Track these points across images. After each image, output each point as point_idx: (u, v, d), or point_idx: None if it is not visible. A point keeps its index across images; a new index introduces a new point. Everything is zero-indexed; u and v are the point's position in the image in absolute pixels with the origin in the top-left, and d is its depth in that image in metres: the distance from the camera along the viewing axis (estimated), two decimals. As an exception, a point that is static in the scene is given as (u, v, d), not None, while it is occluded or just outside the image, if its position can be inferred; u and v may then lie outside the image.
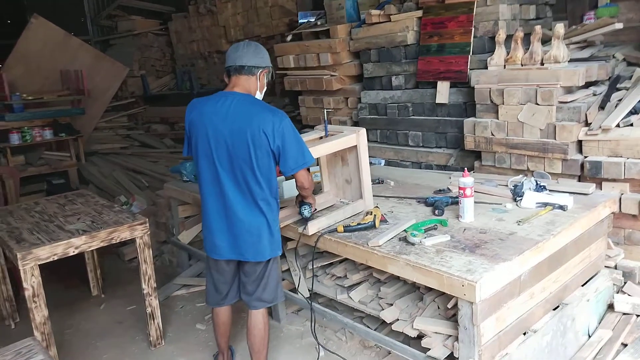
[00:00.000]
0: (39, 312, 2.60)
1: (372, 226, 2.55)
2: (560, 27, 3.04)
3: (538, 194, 2.76)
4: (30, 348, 2.24)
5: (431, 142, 3.98)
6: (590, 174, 2.91)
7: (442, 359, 2.17)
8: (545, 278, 2.36)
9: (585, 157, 2.98)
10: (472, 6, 3.55)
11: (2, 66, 6.37)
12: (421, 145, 4.05)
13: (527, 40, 3.26)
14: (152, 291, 3.01)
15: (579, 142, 3.01)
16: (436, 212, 2.73)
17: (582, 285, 2.70)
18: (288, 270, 3.13)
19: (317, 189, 3.24)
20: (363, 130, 2.76)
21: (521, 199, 2.77)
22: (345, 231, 2.56)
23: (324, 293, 2.91)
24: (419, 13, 3.87)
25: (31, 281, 2.56)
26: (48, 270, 2.94)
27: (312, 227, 2.60)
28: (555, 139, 3.02)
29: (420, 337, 2.32)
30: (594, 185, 2.86)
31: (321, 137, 2.86)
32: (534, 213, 2.59)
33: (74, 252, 2.69)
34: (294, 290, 3.01)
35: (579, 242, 2.56)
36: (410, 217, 2.70)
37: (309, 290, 2.92)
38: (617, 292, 2.86)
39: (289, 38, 5.08)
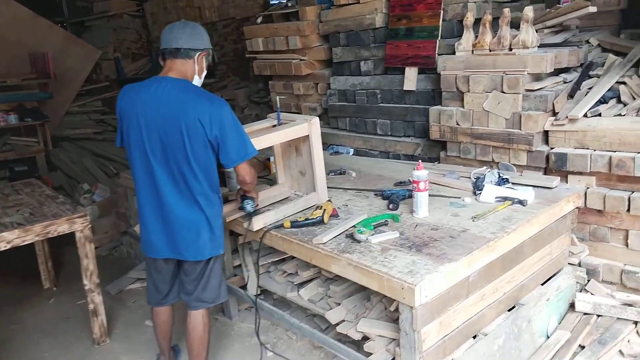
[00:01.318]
0: (-33, 311, 2.45)
1: (321, 221, 2.41)
2: (529, 10, 2.87)
3: (498, 187, 2.62)
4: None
5: (399, 131, 3.82)
6: (556, 166, 2.77)
7: (384, 364, 2.04)
8: (498, 278, 2.23)
9: (552, 148, 2.84)
10: (440, -13, 3.36)
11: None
12: (389, 134, 3.89)
13: (498, 25, 3.08)
14: (95, 287, 2.86)
15: (546, 133, 2.86)
16: (390, 206, 2.58)
17: (542, 284, 2.58)
18: (240, 265, 2.99)
19: (272, 181, 3.09)
20: (315, 119, 2.60)
21: (480, 193, 2.63)
22: (292, 227, 2.41)
23: (274, 290, 2.78)
24: (388, -6, 3.68)
25: (-44, 278, 2.40)
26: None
27: (258, 223, 2.45)
28: (520, 129, 2.87)
29: (365, 339, 2.20)
30: (559, 178, 2.72)
31: (274, 126, 2.71)
32: (491, 208, 2.45)
33: (5, 246, 2.53)
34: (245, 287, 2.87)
35: (538, 240, 2.42)
36: (364, 212, 2.56)
37: (259, 287, 2.79)
38: (580, 291, 2.74)
39: (259, 20, 4.86)
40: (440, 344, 1.99)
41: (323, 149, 4.21)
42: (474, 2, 3.32)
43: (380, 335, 2.13)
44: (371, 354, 2.10)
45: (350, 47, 4.02)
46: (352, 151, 4.12)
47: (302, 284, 2.70)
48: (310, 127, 2.55)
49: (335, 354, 2.30)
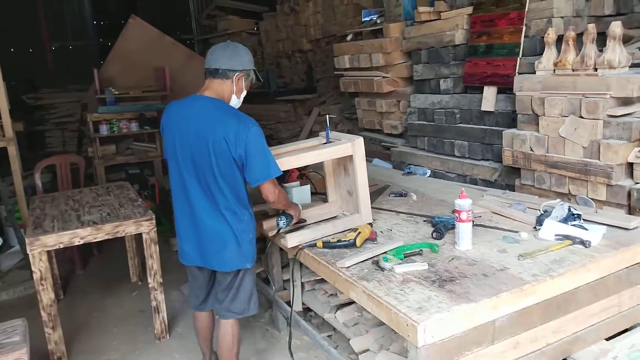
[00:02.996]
0: (46, 295, 2.80)
1: (353, 244, 2.34)
2: (616, 26, 2.54)
3: (560, 224, 2.34)
4: (15, 328, 2.41)
5: (477, 154, 3.59)
6: (638, 204, 2.40)
7: (395, 403, 1.93)
8: (540, 326, 1.98)
9: (637, 183, 2.46)
10: (523, 1, 3.11)
11: (103, 63, 7.04)
12: (467, 156, 3.68)
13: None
14: (158, 286, 3.09)
15: (630, 166, 2.49)
16: (434, 234, 2.43)
17: (608, 340, 2.23)
18: (289, 280, 3.03)
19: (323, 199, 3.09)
20: (359, 140, 2.55)
21: (540, 229, 2.37)
22: (324, 247, 2.39)
23: (315, 309, 2.77)
24: (470, 9, 3.49)
25: (39, 265, 2.76)
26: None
27: (293, 240, 2.46)
28: (599, 160, 2.54)
29: (384, 373, 2.09)
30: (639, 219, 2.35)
31: (324, 144, 2.71)
32: (544, 247, 2.19)
33: (79, 242, 2.86)
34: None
35: (599, 288, 2.11)
36: (406, 238, 2.45)
37: (302, 304, 2.80)
38: (664, 353, 2.32)
39: (349, 37, 4.92)
40: (455, 390, 1.82)
41: (400, 169, 4.16)
42: (561, 17, 3.02)
43: (396, 371, 2.02)
44: (384, 389, 1.99)
45: (431, 65, 3.89)
46: (428, 172, 3.95)
47: (342, 306, 2.66)
48: (353, 147, 2.51)
49: (354, 383, 2.23)
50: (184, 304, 3.60)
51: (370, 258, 2.22)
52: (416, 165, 4.09)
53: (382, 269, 2.11)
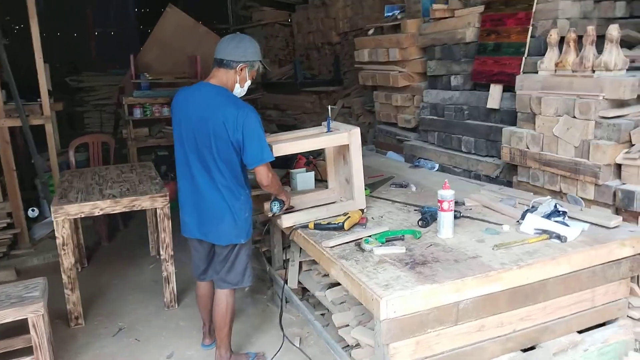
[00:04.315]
0: (67, 259, 3.09)
1: (341, 227, 2.50)
2: (613, 29, 2.58)
3: (541, 219, 2.42)
4: (36, 285, 2.69)
5: (482, 150, 3.66)
6: (622, 204, 2.45)
7: (364, 373, 2.08)
8: (505, 313, 2.09)
9: (624, 184, 2.51)
10: (531, 2, 3.16)
11: (141, 49, 7.38)
12: (473, 152, 3.75)
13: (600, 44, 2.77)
14: (169, 258, 3.34)
15: (618, 167, 2.54)
16: (420, 222, 2.56)
17: (580, 332, 2.31)
18: (289, 259, 3.21)
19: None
20: (356, 130, 2.69)
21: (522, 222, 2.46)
22: (315, 228, 2.56)
23: (308, 287, 2.94)
24: (481, 8, 3.56)
25: (62, 232, 3.04)
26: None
27: (287, 221, 2.64)
28: (588, 159, 2.59)
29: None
30: (621, 218, 2.41)
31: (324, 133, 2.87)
32: (520, 239, 2.29)
33: (99, 212, 3.13)
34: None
35: (571, 282, 2.19)
36: (394, 224, 2.59)
37: (299, 282, 2.98)
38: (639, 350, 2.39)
39: (370, 32, 5.03)
40: (416, 364, 1.97)
41: (411, 162, 4.27)
42: (567, 18, 3.06)
43: (368, 345, 2.17)
44: (357, 360, 2.15)
45: (443, 61, 3.97)
46: (437, 167, 4.05)
47: (332, 285, 2.82)
48: (350, 137, 2.66)
49: (333, 354, 2.39)
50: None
51: (354, 240, 2.38)
52: (425, 159, 4.19)
53: (363, 250, 2.26)
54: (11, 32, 9.96)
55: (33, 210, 4.83)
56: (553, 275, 2.14)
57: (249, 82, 2.54)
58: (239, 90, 2.52)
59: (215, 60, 2.48)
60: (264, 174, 2.42)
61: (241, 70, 2.46)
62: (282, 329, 2.75)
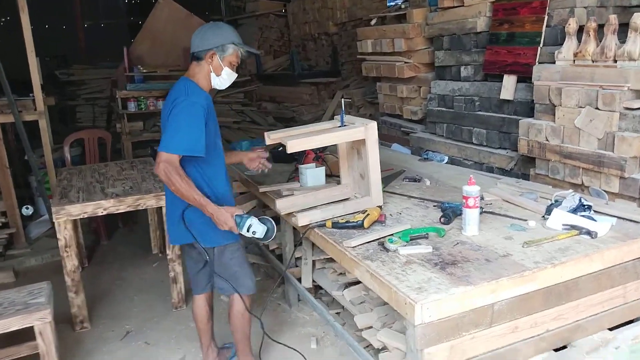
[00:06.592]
0: (70, 261, 2.96)
1: (361, 226, 2.41)
2: (637, 17, 2.50)
3: (568, 214, 2.35)
4: (41, 290, 2.57)
5: (494, 142, 3.59)
6: (650, 198, 2.39)
7: (393, 378, 2.00)
8: (539, 313, 2.02)
9: (650, 177, 2.45)
10: (547, -10, 3.07)
11: (132, 41, 7.19)
12: (484, 144, 3.68)
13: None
14: (176, 257, 3.23)
15: (645, 159, 2.48)
16: (442, 219, 2.48)
17: (611, 330, 2.25)
18: (300, 258, 3.12)
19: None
20: (373, 124, 2.58)
21: (548, 218, 2.39)
22: (332, 227, 2.46)
23: (324, 286, 2.85)
24: (493, -3, 3.47)
25: (64, 233, 2.91)
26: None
27: (303, 219, 2.54)
28: (613, 152, 2.53)
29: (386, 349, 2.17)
30: (651, 212, 2.35)
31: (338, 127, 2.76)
32: (549, 236, 2.22)
33: (102, 212, 3.00)
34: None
35: (603, 278, 2.13)
36: (414, 222, 2.50)
37: (312, 281, 2.89)
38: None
39: (373, 22, 4.92)
40: (450, 369, 1.89)
41: (419, 154, 4.19)
42: (584, 7, 2.97)
43: (397, 348, 2.09)
44: (384, 365, 2.07)
45: (452, 52, 3.88)
46: (446, 159, 3.97)
47: (349, 284, 2.73)
48: (366, 131, 2.55)
49: (356, 356, 2.31)
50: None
51: (377, 239, 2.28)
52: (434, 152, 4.11)
53: (387, 250, 2.17)
54: (-4, 24, 9.71)
55: (27, 208, 4.69)
56: (586, 273, 2.07)
57: (227, 70, 2.31)
58: (217, 81, 2.33)
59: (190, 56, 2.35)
60: (158, 162, 2.12)
61: (210, 58, 2.26)
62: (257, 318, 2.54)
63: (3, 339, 2.56)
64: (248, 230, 2.20)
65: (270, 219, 2.32)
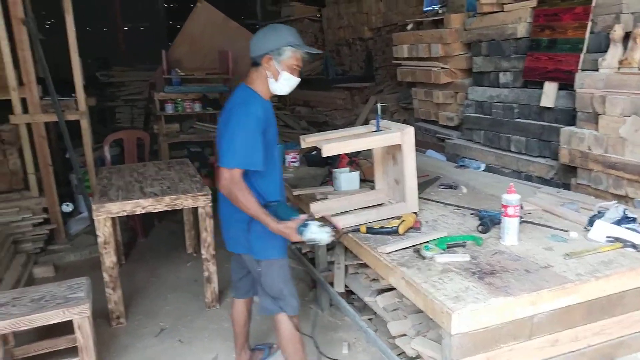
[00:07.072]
0: (109, 258, 3.04)
1: (395, 232, 2.39)
2: (690, 23, 2.41)
3: (612, 226, 2.28)
4: (80, 285, 2.64)
5: (534, 150, 3.51)
6: (700, 211, 2.29)
7: (427, 387, 1.98)
8: (580, 327, 1.96)
9: (701, 189, 2.35)
10: (591, -4, 3.00)
11: (171, 44, 7.34)
12: (523, 152, 3.60)
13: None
14: (210, 257, 3.27)
15: (695, 170, 2.38)
16: (479, 228, 2.44)
17: (656, 347, 2.17)
18: (334, 262, 3.12)
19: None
20: (410, 129, 2.57)
21: (591, 229, 2.32)
22: (367, 232, 2.45)
23: (356, 292, 2.84)
24: (534, 2, 3.40)
25: (103, 230, 2.99)
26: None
27: (337, 224, 2.53)
28: (660, 163, 2.44)
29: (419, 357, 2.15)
30: (700, 226, 2.25)
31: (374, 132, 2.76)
32: (592, 248, 2.15)
33: (141, 211, 3.06)
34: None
35: (649, 293, 2.05)
36: (451, 229, 2.47)
37: (345, 286, 2.88)
38: None
39: (409, 27, 4.89)
40: (486, 381, 1.85)
41: (454, 161, 4.14)
42: (631, 13, 2.88)
43: (431, 357, 2.06)
44: (418, 373, 2.05)
45: (491, 57, 3.82)
46: (483, 166, 3.91)
47: (382, 291, 2.71)
48: (403, 136, 2.54)
49: (389, 365, 2.29)
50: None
51: (412, 246, 2.26)
52: (470, 159, 4.05)
53: (423, 258, 2.15)
54: (42, 27, 10.07)
55: (67, 205, 4.82)
56: (631, 288, 2.00)
57: (285, 74, 2.16)
58: (276, 86, 2.19)
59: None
60: (223, 178, 2.09)
61: (267, 63, 2.14)
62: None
63: (43, 331, 2.64)
64: (310, 237, 2.14)
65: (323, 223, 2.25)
